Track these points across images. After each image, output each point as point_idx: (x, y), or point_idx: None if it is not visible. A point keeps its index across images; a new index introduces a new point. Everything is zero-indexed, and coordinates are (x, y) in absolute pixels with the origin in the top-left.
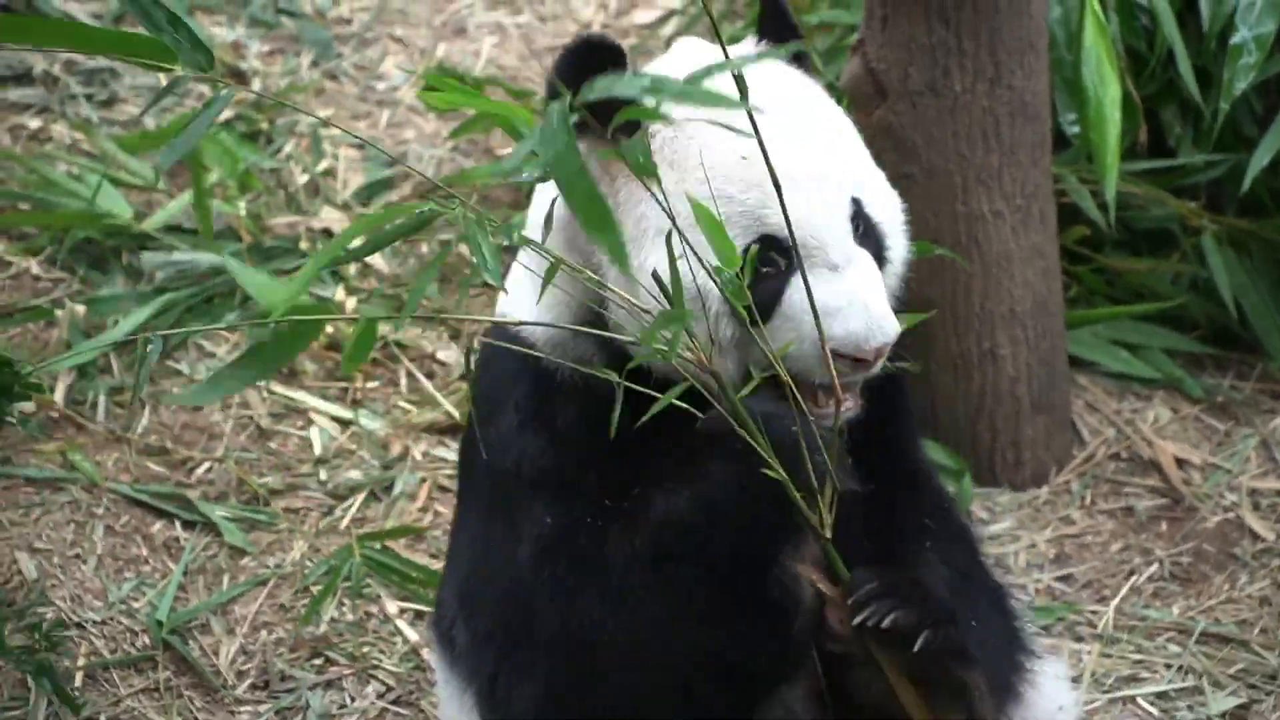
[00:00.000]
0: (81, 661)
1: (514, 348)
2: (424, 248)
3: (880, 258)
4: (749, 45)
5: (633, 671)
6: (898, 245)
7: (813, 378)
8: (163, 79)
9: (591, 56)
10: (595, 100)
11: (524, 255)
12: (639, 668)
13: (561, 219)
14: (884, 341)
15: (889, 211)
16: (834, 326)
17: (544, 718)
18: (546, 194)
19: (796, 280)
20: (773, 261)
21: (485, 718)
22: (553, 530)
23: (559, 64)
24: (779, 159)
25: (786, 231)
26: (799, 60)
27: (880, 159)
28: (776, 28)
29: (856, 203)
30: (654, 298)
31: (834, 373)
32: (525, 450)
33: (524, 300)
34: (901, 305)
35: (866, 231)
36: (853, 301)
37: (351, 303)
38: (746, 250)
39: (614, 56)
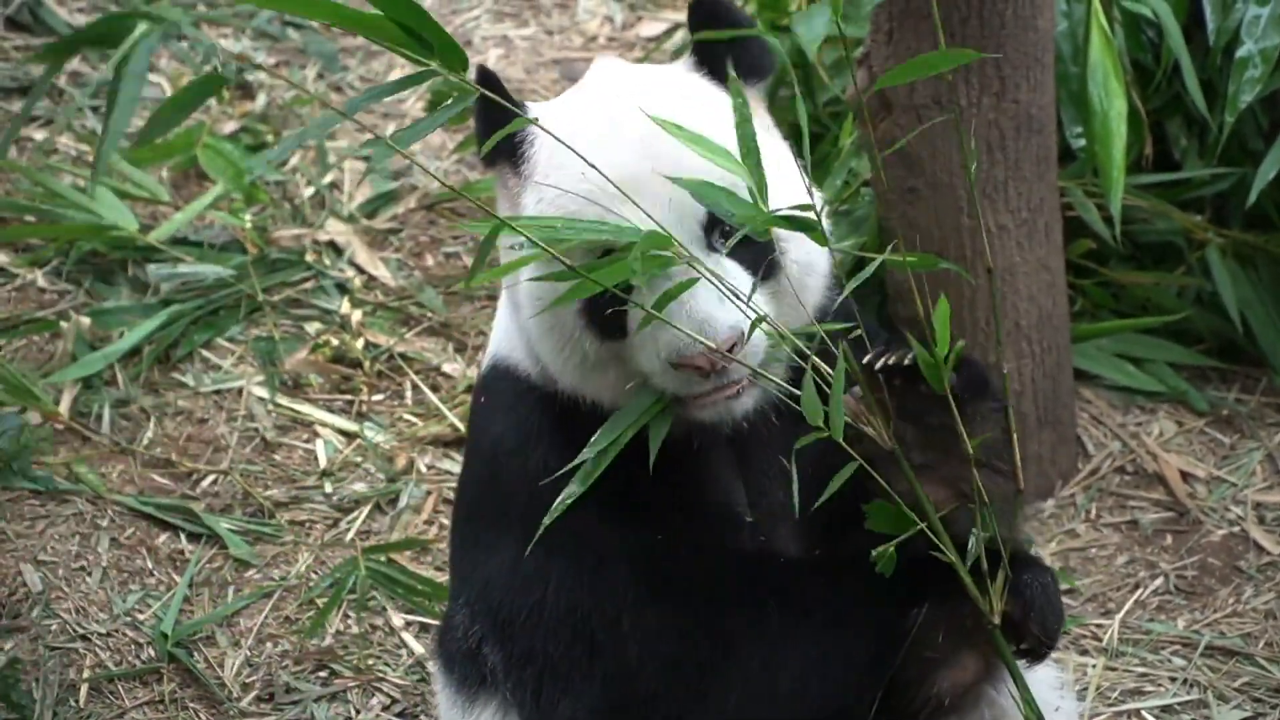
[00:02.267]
0: (86, 674)
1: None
2: (429, 260)
3: (768, 265)
4: (675, 63)
5: (684, 702)
6: (799, 249)
7: (677, 392)
8: (168, 92)
9: (487, 87)
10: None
11: (504, 293)
12: (693, 699)
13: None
14: (719, 340)
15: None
16: (661, 336)
17: None
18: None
19: (637, 293)
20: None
21: None
22: (605, 549)
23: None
24: (616, 168)
25: (625, 243)
26: (714, 71)
27: (885, 172)
28: (702, 42)
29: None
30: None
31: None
32: (533, 471)
33: (511, 332)
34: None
35: (740, 240)
36: (674, 307)
37: (357, 315)
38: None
39: (494, 85)
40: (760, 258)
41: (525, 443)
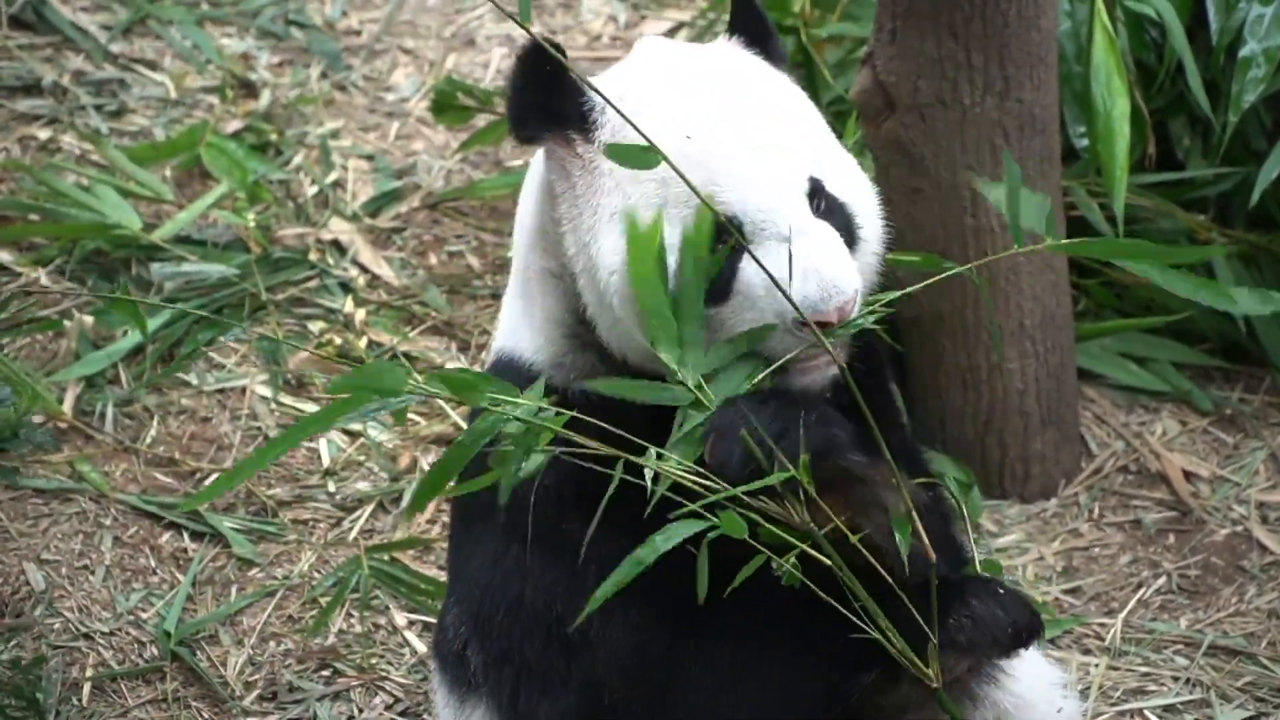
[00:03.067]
0: (89, 672)
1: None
2: (433, 259)
3: (849, 235)
4: (721, 43)
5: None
6: (869, 226)
7: (784, 352)
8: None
9: (540, 61)
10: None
11: (511, 283)
12: (666, 702)
13: (536, 227)
14: (842, 300)
15: (857, 192)
16: (771, 301)
17: None
18: (528, 201)
19: (749, 256)
20: (725, 240)
21: None
22: (588, 553)
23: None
24: (724, 135)
25: (734, 207)
26: (767, 52)
27: (889, 171)
28: (746, 23)
29: (815, 181)
30: (615, 291)
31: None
32: (557, 473)
33: (519, 324)
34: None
35: (829, 209)
36: (803, 267)
37: (360, 314)
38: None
39: (556, 60)
40: (846, 228)
41: None
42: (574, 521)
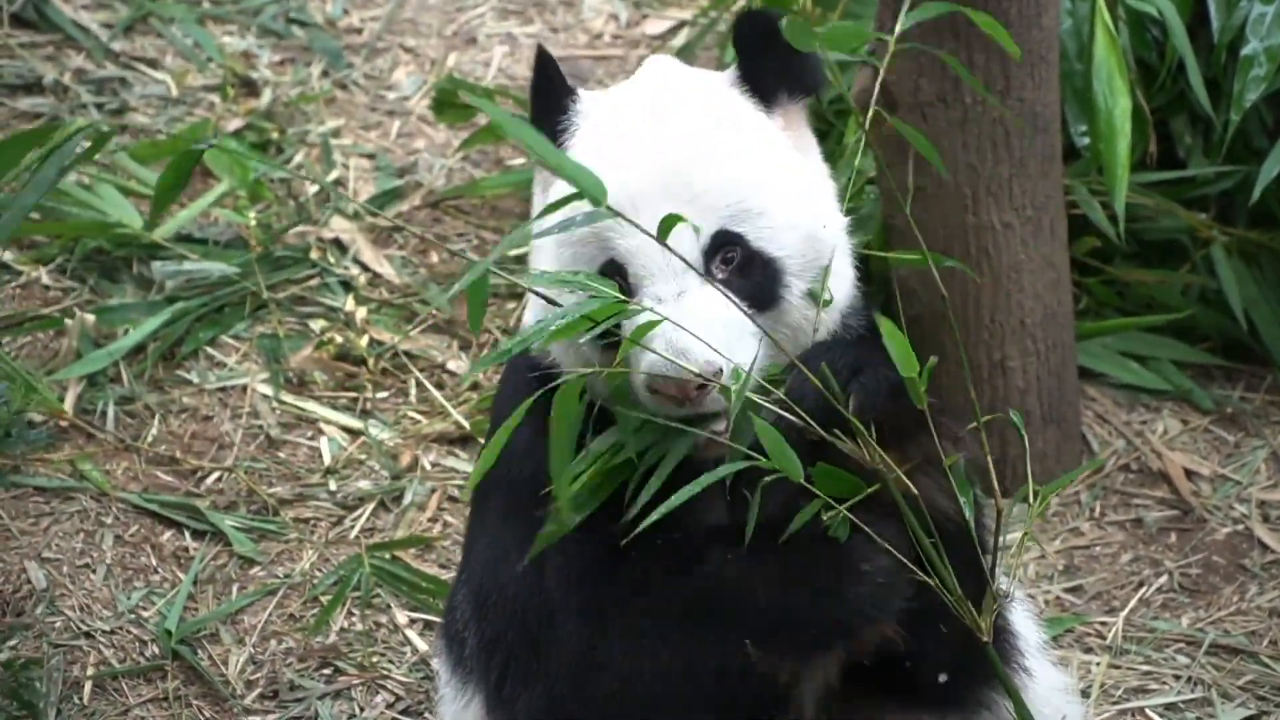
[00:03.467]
0: (90, 671)
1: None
2: (434, 257)
3: (768, 296)
4: (723, 73)
5: (632, 690)
6: (804, 285)
7: (659, 414)
8: (173, 89)
9: (540, 70)
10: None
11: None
12: (638, 686)
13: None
14: (679, 375)
15: (800, 247)
16: (641, 360)
17: None
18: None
19: (630, 309)
20: (621, 288)
21: (492, 715)
22: (564, 541)
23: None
24: (633, 178)
25: (623, 257)
26: (763, 89)
27: (890, 170)
28: (746, 46)
29: (726, 235)
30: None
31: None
32: (541, 459)
33: (535, 305)
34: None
35: (743, 265)
36: (656, 334)
37: (361, 312)
38: (601, 271)
39: (550, 68)
40: (763, 286)
41: (533, 432)
42: (545, 508)
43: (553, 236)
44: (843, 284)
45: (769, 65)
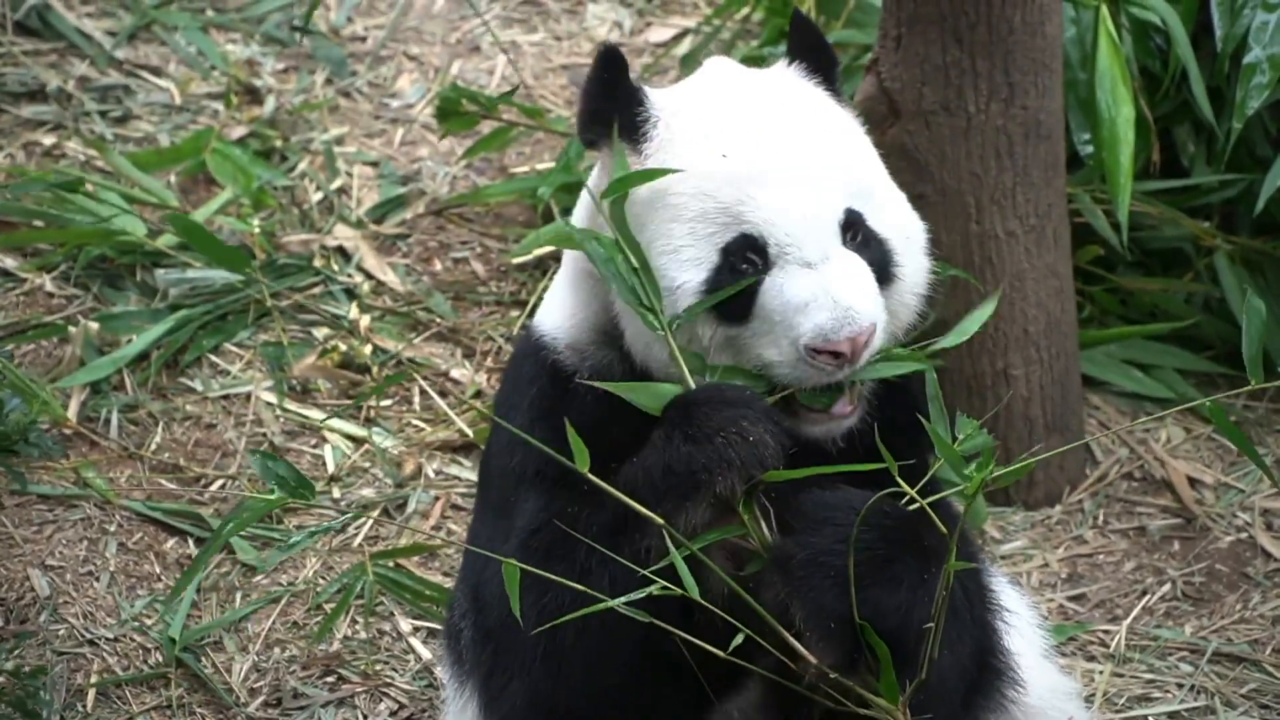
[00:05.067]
0: (94, 679)
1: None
2: (438, 265)
3: (883, 273)
4: (779, 66)
5: (598, 677)
6: (910, 265)
7: (801, 383)
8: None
9: (609, 68)
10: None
11: (563, 266)
12: (604, 672)
13: (589, 227)
14: (855, 330)
15: (900, 230)
16: (803, 321)
17: (532, 717)
18: (586, 201)
19: (770, 278)
20: (750, 260)
21: (483, 714)
22: (539, 529)
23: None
24: (759, 156)
25: (761, 228)
26: (828, 81)
27: (893, 178)
28: (807, 50)
29: (851, 213)
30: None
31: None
32: (530, 449)
33: (554, 305)
34: (920, 326)
35: (865, 243)
36: (820, 294)
37: (365, 320)
38: (724, 247)
39: (622, 66)
40: (881, 264)
41: (529, 420)
42: (524, 500)
43: (660, 214)
44: (924, 271)
45: (825, 63)
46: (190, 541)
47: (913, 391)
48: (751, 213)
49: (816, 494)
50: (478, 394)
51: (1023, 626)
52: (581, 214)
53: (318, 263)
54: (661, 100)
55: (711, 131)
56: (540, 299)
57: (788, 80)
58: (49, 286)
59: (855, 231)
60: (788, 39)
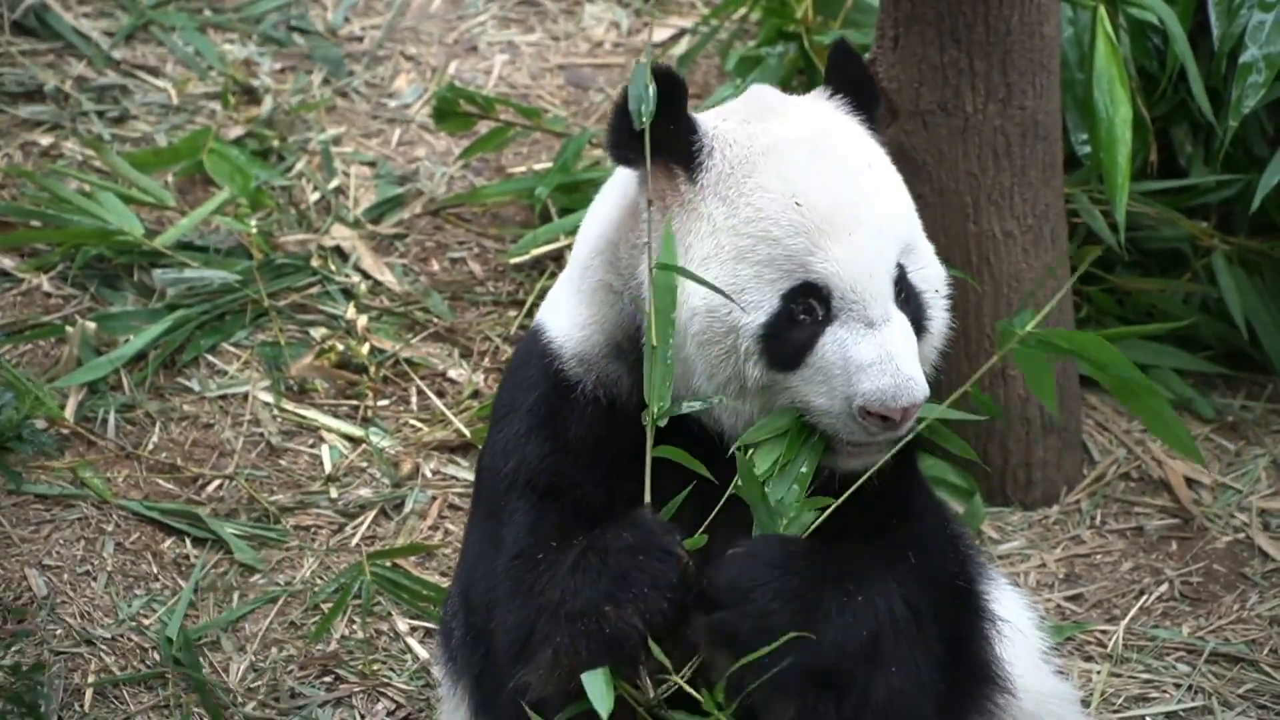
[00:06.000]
0: (91, 678)
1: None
2: (435, 265)
3: (918, 326)
4: (817, 96)
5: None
6: (937, 318)
7: (840, 434)
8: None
9: (670, 91)
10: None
11: (569, 270)
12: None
13: (606, 240)
14: (911, 401)
15: (932, 282)
16: (863, 382)
17: None
18: (608, 213)
19: (831, 331)
20: (811, 309)
21: (475, 718)
22: (525, 537)
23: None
24: (829, 206)
25: (828, 280)
26: (868, 115)
27: None
28: (852, 85)
29: (900, 267)
30: (695, 332)
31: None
32: (526, 456)
33: (563, 311)
34: (937, 375)
35: (907, 298)
36: (884, 358)
37: (362, 320)
38: (787, 294)
39: (681, 90)
40: (917, 320)
41: (527, 427)
42: (514, 509)
43: (725, 252)
44: (944, 323)
45: (866, 95)
46: (188, 541)
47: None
48: (820, 264)
49: (732, 561)
50: (475, 394)
51: (1019, 629)
52: (603, 223)
53: (315, 263)
54: (712, 127)
55: (783, 174)
56: (540, 299)
57: (838, 119)
58: (46, 286)
59: (901, 288)
60: (827, 69)
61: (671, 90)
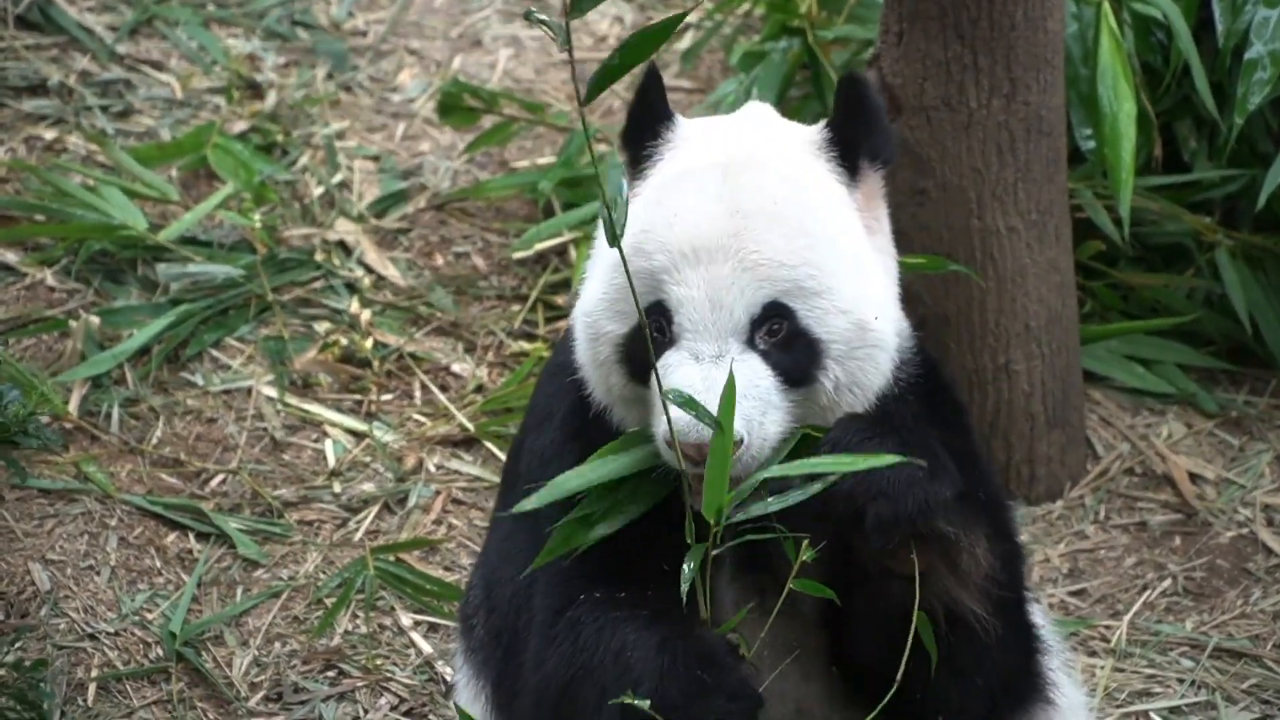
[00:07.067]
0: (94, 673)
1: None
2: (439, 259)
3: (804, 376)
4: (813, 131)
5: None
6: (846, 370)
7: (668, 462)
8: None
9: (643, 90)
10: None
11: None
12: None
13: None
14: (696, 441)
15: (845, 334)
16: (672, 413)
17: None
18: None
19: (666, 356)
20: (662, 329)
21: (494, 716)
22: (562, 575)
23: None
24: (700, 231)
25: (671, 304)
26: (849, 150)
27: (895, 174)
28: (847, 110)
29: (776, 307)
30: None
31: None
32: (560, 466)
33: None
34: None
35: (785, 341)
36: (691, 393)
37: (366, 314)
38: (647, 309)
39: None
40: (802, 366)
41: (561, 438)
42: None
43: (618, 259)
44: (874, 375)
45: (860, 128)
46: (191, 536)
47: (898, 423)
48: (672, 285)
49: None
50: (479, 388)
51: (1052, 640)
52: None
53: (319, 257)
54: (685, 132)
55: (675, 189)
56: (543, 294)
57: (793, 149)
58: (50, 281)
59: (776, 326)
60: (835, 99)
61: (645, 90)
